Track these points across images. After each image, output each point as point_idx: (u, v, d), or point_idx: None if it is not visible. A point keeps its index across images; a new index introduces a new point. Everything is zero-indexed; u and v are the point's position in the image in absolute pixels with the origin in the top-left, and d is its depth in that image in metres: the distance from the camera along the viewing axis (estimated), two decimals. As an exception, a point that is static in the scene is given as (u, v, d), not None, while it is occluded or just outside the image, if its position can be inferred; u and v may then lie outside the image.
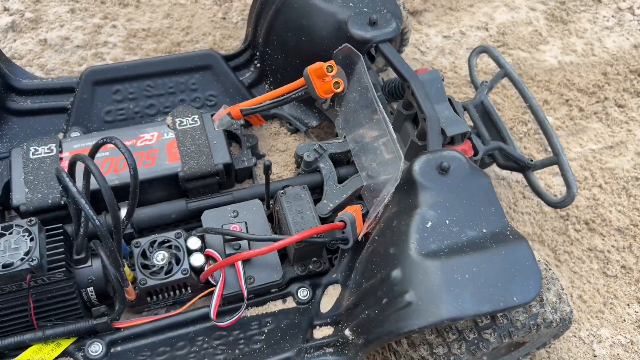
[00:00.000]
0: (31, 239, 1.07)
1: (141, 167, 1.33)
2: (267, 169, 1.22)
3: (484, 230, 1.05)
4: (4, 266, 1.04)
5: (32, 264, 1.05)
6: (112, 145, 1.01)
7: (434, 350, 1.07)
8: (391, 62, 1.30)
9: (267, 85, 1.62)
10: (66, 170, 1.05)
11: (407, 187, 1.10)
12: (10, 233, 1.08)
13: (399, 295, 0.98)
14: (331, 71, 1.22)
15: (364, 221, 1.28)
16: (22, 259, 1.05)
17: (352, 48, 1.28)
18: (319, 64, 1.25)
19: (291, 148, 1.57)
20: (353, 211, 1.29)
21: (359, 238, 1.25)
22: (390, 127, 1.22)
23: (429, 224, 1.03)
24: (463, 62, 1.97)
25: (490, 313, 0.97)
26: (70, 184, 0.99)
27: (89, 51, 1.84)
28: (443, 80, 1.38)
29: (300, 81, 1.30)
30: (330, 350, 1.17)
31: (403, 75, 1.29)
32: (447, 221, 1.04)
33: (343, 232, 1.26)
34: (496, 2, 2.19)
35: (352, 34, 1.33)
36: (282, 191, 1.28)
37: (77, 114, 1.46)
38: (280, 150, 1.56)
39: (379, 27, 1.33)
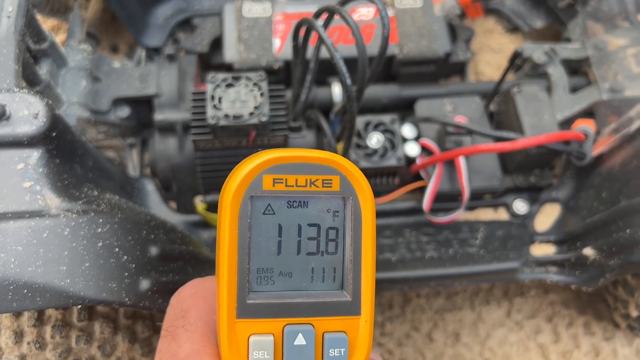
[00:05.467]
0: (261, 94, 1.00)
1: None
2: (516, 56, 1.07)
3: None
4: (235, 117, 0.98)
5: (263, 119, 0.98)
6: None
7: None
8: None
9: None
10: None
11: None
12: (239, 85, 1.01)
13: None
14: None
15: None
16: (251, 114, 0.98)
17: None
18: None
19: (505, 50, 1.40)
20: (590, 126, 1.13)
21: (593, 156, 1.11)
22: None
23: None
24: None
25: None
26: (327, 38, 0.89)
27: None
28: None
29: (560, -37, 1.12)
30: (554, 269, 1.07)
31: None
32: None
33: (581, 146, 1.11)
34: None
35: None
36: (516, 89, 1.14)
37: (287, -22, 1.36)
38: (493, 50, 1.40)
39: None
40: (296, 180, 0.45)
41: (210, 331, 0.49)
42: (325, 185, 0.45)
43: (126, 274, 0.76)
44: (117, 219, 0.79)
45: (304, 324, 0.46)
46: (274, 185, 0.44)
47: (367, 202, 0.46)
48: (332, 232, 0.47)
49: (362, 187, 0.46)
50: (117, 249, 0.77)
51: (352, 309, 0.47)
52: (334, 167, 0.45)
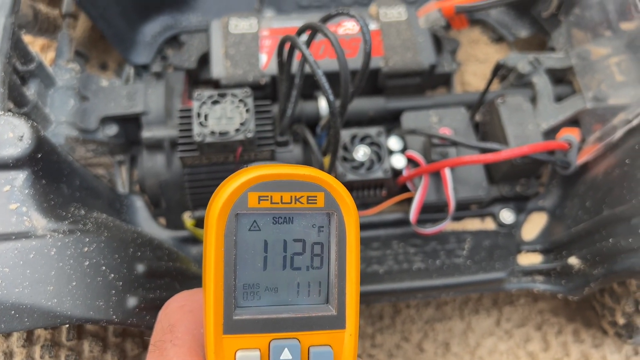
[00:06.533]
0: (247, 110, 1.01)
1: (341, 56, 1.23)
2: (498, 68, 1.09)
3: None
4: (221, 134, 0.99)
5: (249, 135, 0.99)
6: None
7: (678, 298, 0.94)
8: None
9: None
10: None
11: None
12: (225, 101, 1.02)
13: (666, 227, 0.85)
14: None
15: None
16: (237, 130, 0.99)
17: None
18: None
19: (491, 60, 1.41)
20: (575, 134, 1.14)
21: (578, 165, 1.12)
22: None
23: None
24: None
25: None
26: (309, 55, 0.90)
27: None
28: None
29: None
30: (541, 278, 1.07)
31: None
32: None
33: (565, 155, 1.12)
34: None
35: None
36: (500, 100, 1.15)
37: (273, -6, 1.38)
38: (480, 61, 1.41)
39: None
40: (281, 197, 0.45)
41: (198, 345, 0.49)
42: (310, 202, 0.46)
43: (113, 291, 0.77)
44: (103, 238, 0.80)
45: (290, 338, 0.47)
46: (259, 203, 0.45)
47: (351, 217, 0.47)
48: (317, 247, 0.48)
49: (346, 203, 0.47)
50: (103, 268, 0.77)
51: (337, 322, 0.47)
52: (318, 183, 0.46)
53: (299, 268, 0.47)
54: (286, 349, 0.46)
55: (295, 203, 0.46)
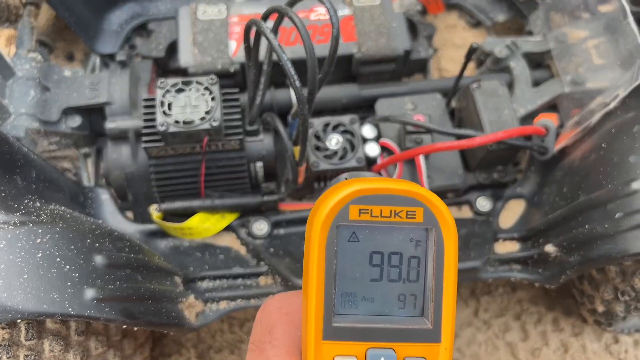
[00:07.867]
0: (212, 99, 0.98)
1: (314, 43, 1.19)
2: (472, 52, 1.06)
3: None
4: (185, 123, 0.95)
5: (214, 124, 0.96)
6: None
7: (656, 284, 0.92)
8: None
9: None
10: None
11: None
12: (190, 89, 0.99)
13: (640, 211, 0.83)
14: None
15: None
16: (202, 118, 0.96)
17: None
18: None
19: (469, 45, 1.37)
20: (553, 120, 1.12)
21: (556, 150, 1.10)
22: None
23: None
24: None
25: None
26: (273, 39, 0.86)
27: None
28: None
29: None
30: (518, 266, 1.05)
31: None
32: None
33: (542, 141, 1.09)
34: None
35: None
36: (475, 85, 1.12)
37: (245, -21, 1.34)
38: (457, 46, 1.38)
39: None
40: (381, 211, 0.46)
41: (295, 347, 0.51)
42: (409, 216, 0.46)
43: (69, 283, 0.74)
44: (58, 229, 0.77)
45: (386, 348, 0.47)
46: (359, 215, 0.46)
47: (450, 234, 0.47)
48: (413, 260, 0.48)
49: (446, 219, 0.47)
50: (58, 259, 0.75)
51: (432, 336, 0.48)
52: (418, 199, 0.46)
53: (395, 280, 0.48)
54: (382, 358, 0.47)
55: (394, 217, 0.46)
